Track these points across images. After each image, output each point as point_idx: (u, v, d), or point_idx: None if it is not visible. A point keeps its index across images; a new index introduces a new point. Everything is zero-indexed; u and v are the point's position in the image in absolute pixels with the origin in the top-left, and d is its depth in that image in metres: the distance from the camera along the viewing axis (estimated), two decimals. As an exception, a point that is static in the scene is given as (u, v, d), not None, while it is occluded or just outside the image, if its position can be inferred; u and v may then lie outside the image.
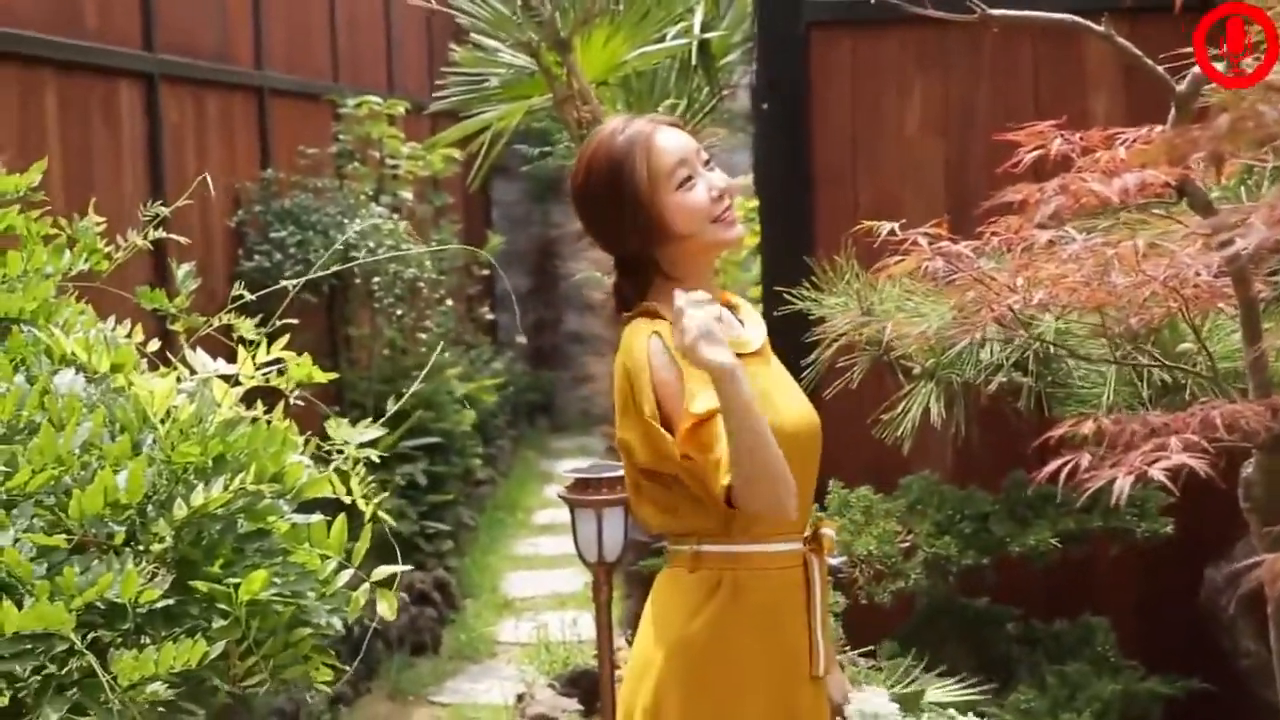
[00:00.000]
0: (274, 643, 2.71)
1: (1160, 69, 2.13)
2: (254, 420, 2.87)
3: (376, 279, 7.23)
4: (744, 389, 2.52)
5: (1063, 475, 2.11)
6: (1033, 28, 4.00)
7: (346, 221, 6.92)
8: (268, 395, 3.02)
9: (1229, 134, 1.61)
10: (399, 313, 7.48)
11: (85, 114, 5.26)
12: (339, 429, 3.13)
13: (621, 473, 4.40)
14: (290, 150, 7.41)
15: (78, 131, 5.18)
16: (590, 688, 5.40)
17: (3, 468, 2.59)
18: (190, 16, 6.43)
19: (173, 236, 3.28)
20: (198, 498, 2.63)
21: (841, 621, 4.07)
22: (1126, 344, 3.13)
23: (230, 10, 6.97)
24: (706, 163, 2.82)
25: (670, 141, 2.79)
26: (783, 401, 2.82)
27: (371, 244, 6.86)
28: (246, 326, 2.97)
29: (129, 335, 3.01)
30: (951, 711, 3.97)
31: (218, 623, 2.65)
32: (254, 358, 2.97)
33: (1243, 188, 3.61)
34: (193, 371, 2.96)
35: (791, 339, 3.83)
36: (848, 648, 4.09)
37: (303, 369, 3.13)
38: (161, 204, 3.24)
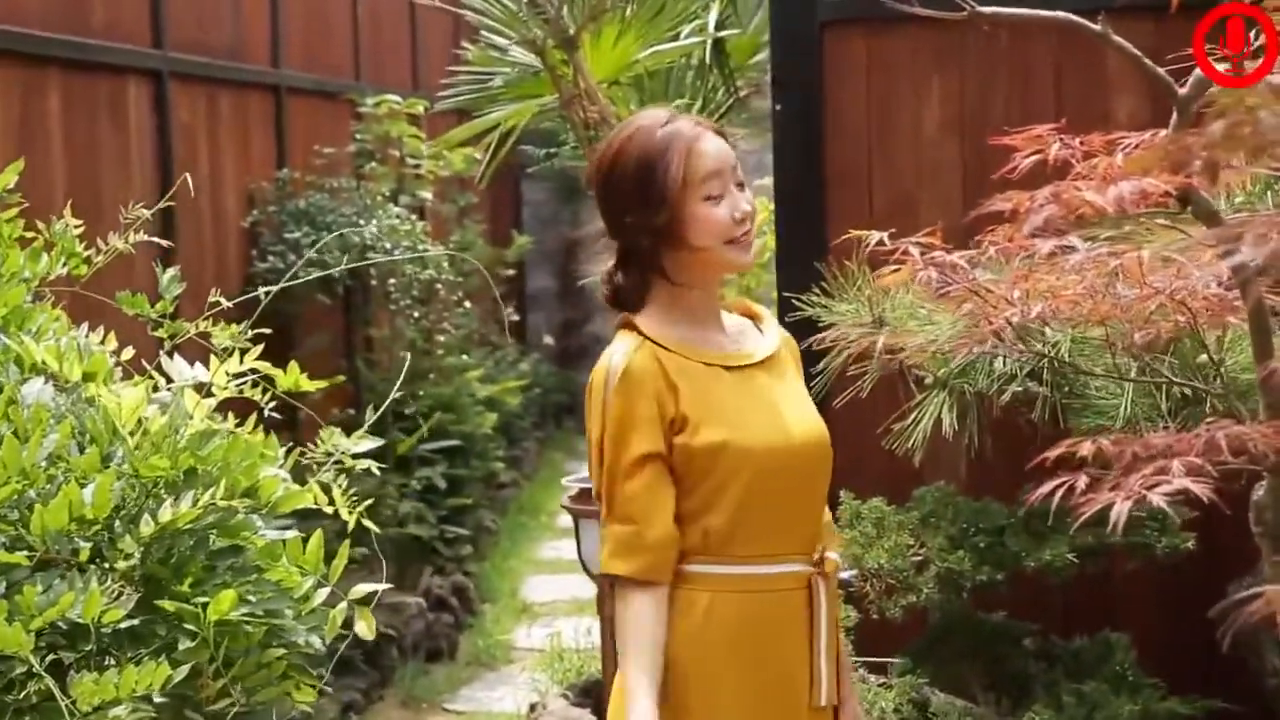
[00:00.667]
0: (245, 663, 2.62)
1: (1161, 70, 2.00)
2: (231, 433, 2.78)
3: (392, 280, 7.14)
4: None
5: (1056, 497, 1.99)
6: (1049, 27, 3.87)
7: (363, 222, 6.83)
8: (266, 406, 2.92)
9: (1224, 141, 1.49)
10: (415, 314, 7.38)
11: (91, 113, 5.19)
12: (331, 438, 3.03)
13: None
14: (307, 150, 7.34)
15: (83, 131, 5.11)
16: (603, 698, 5.29)
17: (-42, 483, 2.50)
18: (202, 13, 6.36)
19: (158, 240, 3.18)
20: (165, 513, 2.54)
21: (853, 636, 3.96)
22: (1144, 356, 3.01)
23: (245, 7, 6.89)
24: (740, 183, 2.72)
25: (711, 149, 2.69)
26: (790, 416, 2.73)
27: (388, 244, 6.77)
28: (224, 334, 2.86)
29: (102, 342, 2.92)
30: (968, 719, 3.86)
31: (184, 644, 2.56)
32: (240, 362, 2.88)
33: (1269, 193, 3.48)
34: (169, 380, 2.87)
35: (803, 346, 3.72)
36: (859, 668, 3.97)
37: (290, 378, 3.03)
38: (149, 204, 3.13)
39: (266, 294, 2.93)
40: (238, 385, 2.79)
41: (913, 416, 3.75)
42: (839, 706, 2.78)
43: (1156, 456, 1.97)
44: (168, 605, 2.53)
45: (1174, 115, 1.94)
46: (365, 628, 2.75)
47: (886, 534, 3.96)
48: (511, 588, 8.09)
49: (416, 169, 7.93)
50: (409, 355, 3.75)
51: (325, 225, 6.67)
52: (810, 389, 2.94)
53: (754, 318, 2.86)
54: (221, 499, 2.59)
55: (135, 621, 2.55)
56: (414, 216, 7.49)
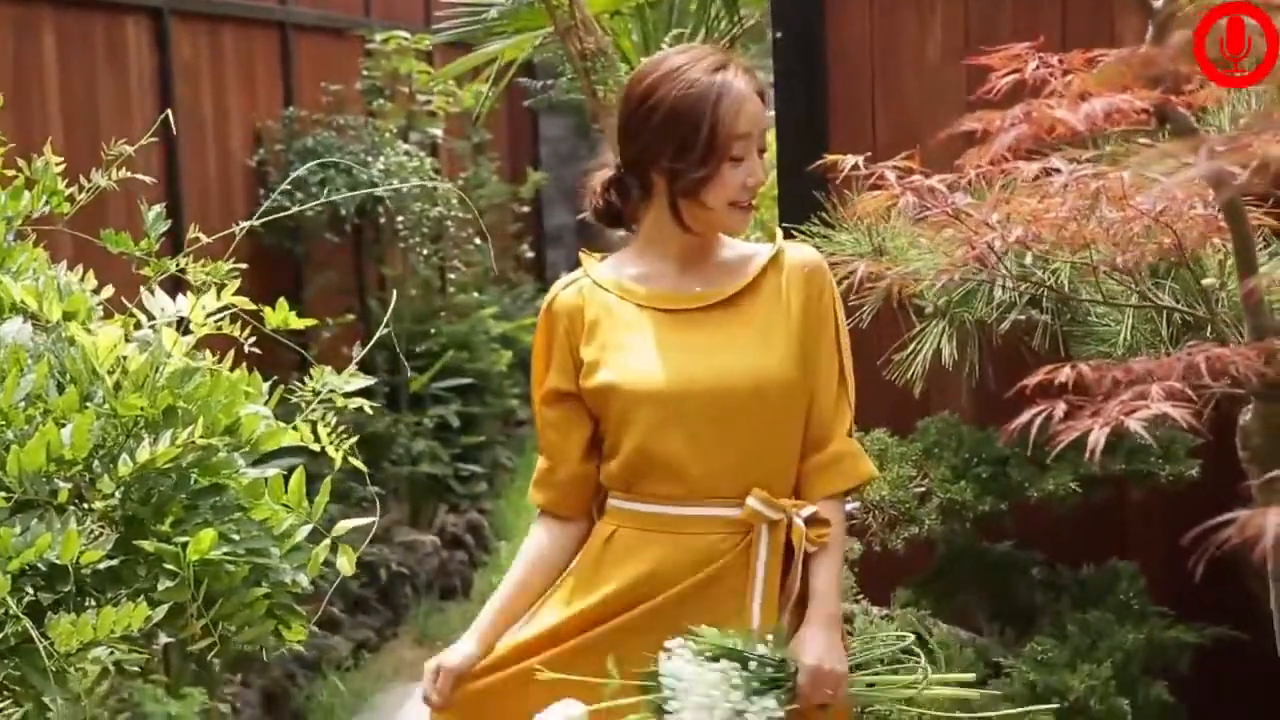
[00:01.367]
0: (227, 603, 2.60)
1: (1136, -17, 1.94)
2: (211, 370, 2.75)
3: (401, 218, 7.09)
4: None
5: (1034, 426, 1.95)
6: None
7: (371, 160, 6.79)
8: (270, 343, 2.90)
9: (1183, 52, 1.43)
10: (425, 252, 7.34)
11: (88, 52, 5.14)
12: (321, 375, 2.99)
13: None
14: (315, 88, 7.28)
15: (80, 70, 5.07)
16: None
17: (-70, 423, 2.47)
18: (205, -51, 6.30)
19: (139, 177, 3.13)
20: (143, 453, 2.51)
21: (857, 570, 3.93)
22: (1145, 281, 2.95)
23: (250, -58, 6.84)
24: (761, 149, 2.70)
25: (751, 110, 2.65)
26: (717, 359, 2.69)
27: (396, 182, 6.73)
28: (199, 270, 2.83)
29: (81, 280, 2.88)
30: (969, 651, 3.82)
31: (165, 584, 2.54)
32: (218, 298, 2.84)
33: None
34: (151, 318, 2.83)
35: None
36: (862, 597, 3.94)
37: (279, 314, 2.99)
38: (149, 146, 3.08)
39: (243, 229, 2.87)
40: (215, 321, 2.75)
41: (912, 346, 3.70)
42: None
43: (1137, 382, 1.92)
44: (147, 545, 2.51)
45: (1149, 30, 1.88)
46: (346, 563, 2.72)
47: (889, 465, 3.92)
48: (527, 525, 8.02)
49: (426, 105, 7.87)
50: (396, 294, 3.70)
51: (333, 164, 6.63)
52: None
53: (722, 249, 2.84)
54: (201, 437, 2.56)
55: (114, 562, 2.53)
56: (423, 154, 7.43)
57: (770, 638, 2.64)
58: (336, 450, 2.87)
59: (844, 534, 2.84)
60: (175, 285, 2.95)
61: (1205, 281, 3.38)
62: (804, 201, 4.08)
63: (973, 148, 2.15)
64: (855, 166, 2.18)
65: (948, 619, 3.97)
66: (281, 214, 3.96)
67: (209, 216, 5.84)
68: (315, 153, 6.70)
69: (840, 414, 2.78)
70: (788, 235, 4.01)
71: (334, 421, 2.91)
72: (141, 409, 2.58)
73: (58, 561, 2.43)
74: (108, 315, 2.90)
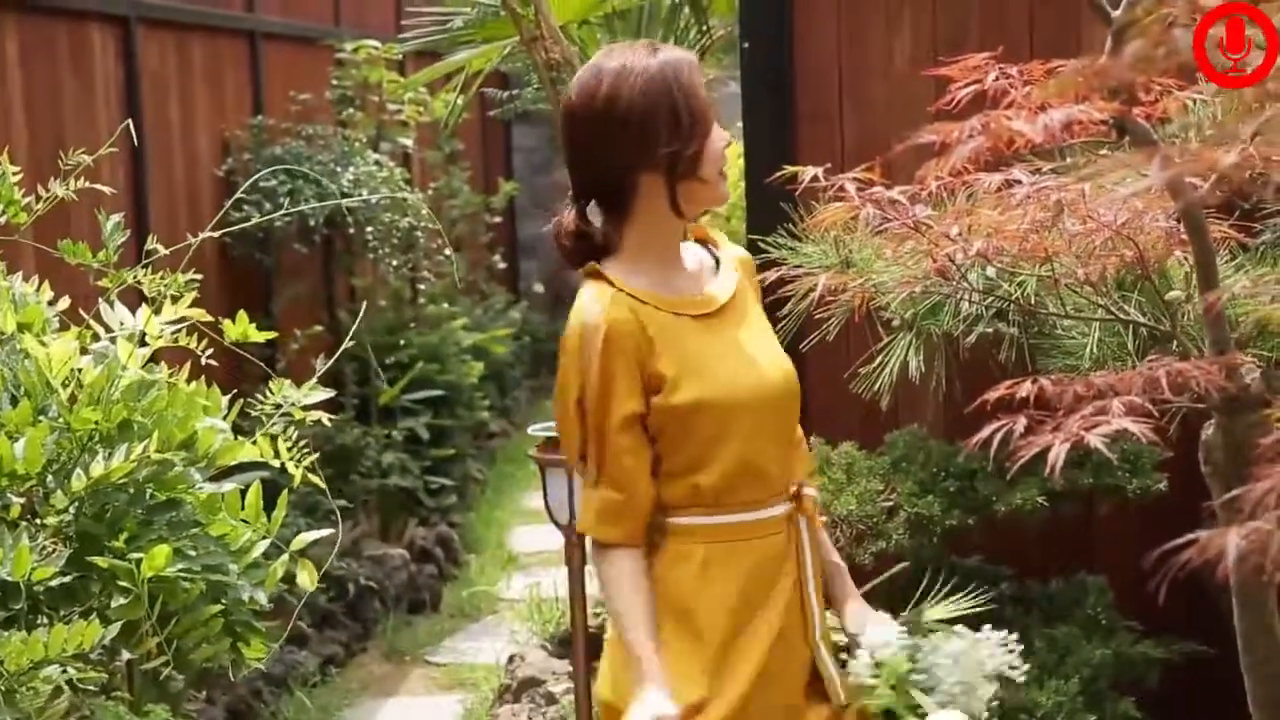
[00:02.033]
0: (183, 621, 2.57)
1: (1097, -6, 1.92)
2: (168, 384, 2.72)
3: (370, 229, 7.05)
4: None
5: (995, 442, 1.93)
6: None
7: (340, 170, 6.75)
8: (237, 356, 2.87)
9: (1139, 62, 1.41)
10: (395, 263, 7.30)
11: (52, 60, 5.10)
12: (281, 388, 2.96)
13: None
14: (285, 97, 7.24)
15: (44, 79, 5.02)
16: (577, 648, 5.24)
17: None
18: (172, -43, 6.26)
19: (99, 187, 3.10)
20: (98, 467, 2.48)
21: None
22: (1113, 294, 2.93)
23: (218, -48, 6.80)
24: None
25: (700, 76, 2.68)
26: (760, 360, 2.70)
27: (366, 192, 6.69)
28: (155, 283, 2.80)
29: (37, 291, 2.85)
30: (959, 627, 3.79)
31: (118, 600, 2.51)
32: (175, 310, 2.80)
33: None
34: (108, 330, 2.80)
35: (769, 288, 3.64)
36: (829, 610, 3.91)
37: (239, 327, 2.96)
38: (117, 156, 3.05)
39: (199, 240, 2.84)
40: (173, 334, 2.72)
41: (879, 359, 3.67)
42: (840, 607, 2.84)
43: (1098, 396, 1.90)
44: (101, 562, 2.48)
45: (1109, 41, 1.86)
46: (306, 579, 2.69)
47: (856, 479, 3.90)
48: (498, 538, 8.03)
49: (397, 115, 7.84)
50: (366, 305, 3.67)
51: (301, 174, 6.59)
52: (777, 331, 2.90)
53: (709, 243, 2.82)
54: (157, 452, 2.53)
55: (68, 579, 2.50)
56: (393, 164, 7.40)
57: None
58: (296, 466, 2.84)
59: None
60: (140, 297, 2.91)
61: (1170, 294, 3.36)
62: (771, 212, 4.06)
63: (933, 159, 2.13)
64: (816, 178, 2.16)
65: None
66: (246, 225, 3.93)
67: (176, 227, 5.80)
68: (284, 162, 6.66)
69: None
70: (754, 247, 4.01)
71: (295, 436, 2.88)
72: (96, 423, 2.56)
73: (9, 578, 2.40)
74: (65, 327, 2.86)
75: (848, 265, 3.69)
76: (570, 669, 5.41)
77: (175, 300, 2.73)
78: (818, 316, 3.73)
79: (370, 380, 7.37)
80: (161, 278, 2.85)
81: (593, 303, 2.63)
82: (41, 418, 2.59)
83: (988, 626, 2.74)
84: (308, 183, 6.51)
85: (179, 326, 2.72)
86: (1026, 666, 2.74)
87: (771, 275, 3.30)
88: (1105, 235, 2.06)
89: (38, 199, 3.03)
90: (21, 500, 2.51)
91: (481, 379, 8.57)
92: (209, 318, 2.77)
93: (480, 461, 8.86)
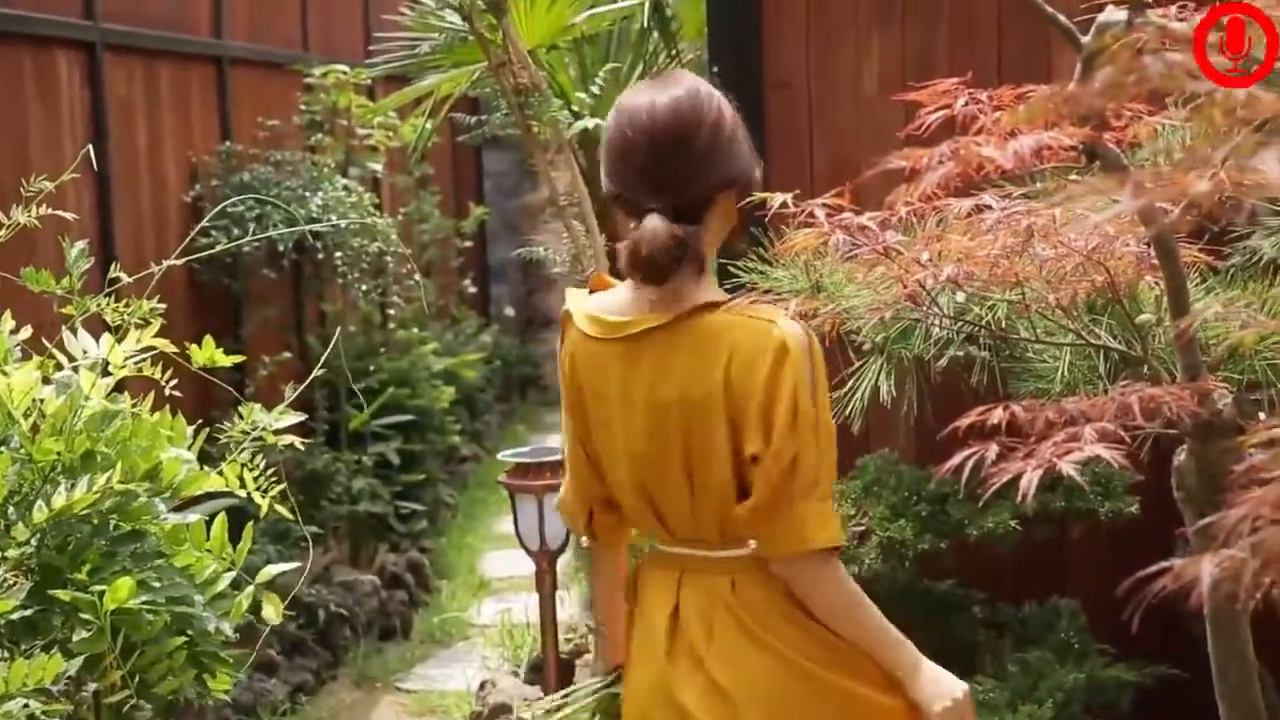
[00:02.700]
0: (147, 653, 2.53)
1: (1062, 18, 1.91)
2: (132, 414, 2.69)
3: (339, 254, 7.02)
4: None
5: (966, 469, 1.91)
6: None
7: (309, 195, 6.72)
8: (205, 383, 2.83)
9: (1109, 89, 1.40)
10: (364, 288, 7.27)
11: (16, 86, 5.06)
12: (250, 414, 2.93)
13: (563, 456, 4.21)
14: (253, 123, 7.20)
15: (8, 105, 4.99)
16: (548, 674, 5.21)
17: None
18: (139, -18, 6.23)
19: (63, 214, 3.07)
20: (60, 499, 2.44)
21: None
22: (1083, 318, 2.92)
23: (185, -25, 6.77)
24: None
25: None
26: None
27: (335, 217, 6.65)
28: (117, 311, 2.76)
29: (-2, 322, 2.81)
30: None
31: (80, 634, 2.47)
32: (139, 340, 2.77)
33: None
34: (72, 359, 2.76)
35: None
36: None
37: (205, 352, 2.93)
38: (81, 182, 3.01)
39: (164, 267, 2.80)
40: (136, 363, 2.69)
41: (850, 383, 3.66)
42: None
43: (1070, 423, 1.89)
44: (63, 595, 2.45)
45: (1078, 67, 1.85)
46: (272, 612, 2.66)
47: (828, 504, 3.88)
48: (469, 564, 7.99)
49: (366, 140, 7.81)
50: (339, 331, 3.65)
51: (268, 200, 6.56)
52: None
53: None
54: (120, 482, 2.49)
55: (29, 612, 2.46)
56: (362, 189, 7.37)
57: None
58: (264, 495, 2.80)
59: None
60: (103, 326, 2.88)
61: (1140, 318, 3.36)
62: (743, 237, 4.04)
63: (903, 184, 2.12)
64: (785, 204, 2.14)
65: (888, 659, 3.93)
66: (214, 251, 3.90)
67: (143, 253, 5.76)
68: (252, 188, 6.63)
69: None
70: (725, 271, 3.99)
71: (264, 463, 2.85)
72: (58, 453, 2.52)
73: (-32, 612, 2.36)
74: (28, 357, 2.83)
75: (818, 290, 3.68)
76: (541, 694, 5.38)
77: (140, 328, 2.69)
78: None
79: (340, 406, 7.34)
80: (125, 305, 2.81)
81: (787, 320, 2.53)
82: (2, 448, 2.56)
83: None
84: (275, 208, 6.48)
85: (144, 356, 2.69)
86: None
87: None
88: (1076, 260, 2.05)
89: (1, 226, 2.99)
90: (-18, 532, 2.47)
91: (452, 403, 8.53)
92: (172, 347, 2.73)
93: (451, 486, 8.83)
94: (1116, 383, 3.37)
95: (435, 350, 8.57)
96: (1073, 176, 2.00)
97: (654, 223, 2.48)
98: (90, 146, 3.08)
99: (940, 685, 2.60)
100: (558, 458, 4.13)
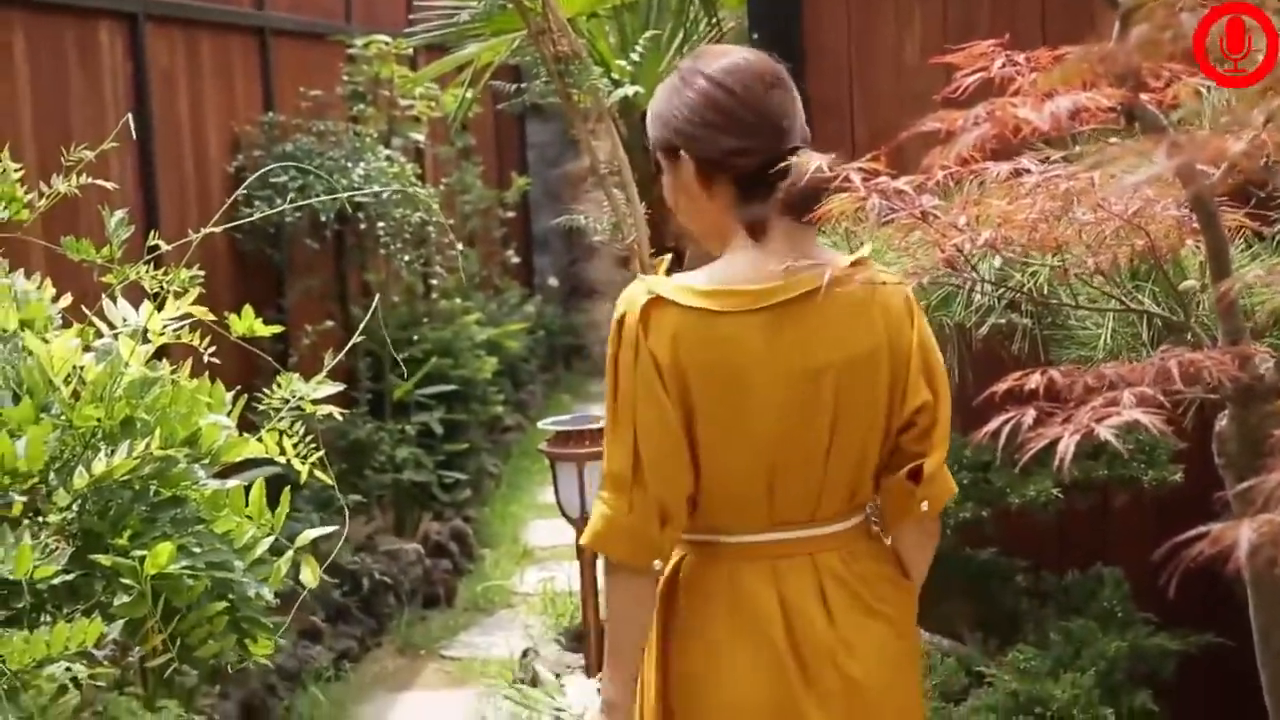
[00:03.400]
0: (187, 618, 2.54)
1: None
2: (171, 380, 2.70)
3: (381, 224, 7.03)
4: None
5: (1004, 434, 1.90)
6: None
7: (351, 165, 6.73)
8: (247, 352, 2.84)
9: (1145, 46, 1.38)
10: (407, 258, 7.28)
11: (59, 57, 5.08)
12: (289, 383, 2.94)
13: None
14: (295, 93, 7.22)
15: (52, 76, 5.01)
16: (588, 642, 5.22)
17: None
18: (181, -46, 6.24)
19: (104, 184, 3.08)
20: (100, 465, 2.46)
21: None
22: (1127, 284, 2.90)
23: (227, -53, 6.77)
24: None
25: None
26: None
27: (378, 188, 6.66)
28: (155, 278, 2.77)
29: (39, 288, 2.83)
30: (951, 660, 3.78)
31: (121, 598, 2.49)
32: (178, 307, 2.78)
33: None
34: (112, 327, 2.78)
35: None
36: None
37: (244, 322, 2.94)
38: (123, 152, 3.02)
39: (200, 235, 2.81)
40: (175, 330, 2.70)
41: (891, 351, 3.64)
42: None
43: (1108, 387, 1.87)
44: (104, 560, 2.46)
45: (1116, 26, 1.83)
46: (310, 575, 2.67)
47: (869, 472, 3.87)
48: (513, 533, 8.02)
49: (409, 110, 7.81)
50: (379, 298, 3.65)
51: (309, 170, 6.57)
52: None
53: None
54: (159, 448, 2.50)
55: (70, 577, 2.47)
56: (404, 159, 7.38)
57: None
58: (303, 462, 2.81)
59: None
60: (145, 294, 2.89)
61: (1184, 285, 3.33)
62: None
63: (938, 147, 2.10)
64: (820, 169, 2.13)
65: (930, 628, 3.92)
66: (253, 219, 3.91)
67: (186, 223, 5.77)
68: (295, 158, 6.64)
69: None
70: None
71: (302, 431, 2.85)
72: (98, 420, 2.53)
73: (11, 577, 2.38)
74: (69, 325, 2.84)
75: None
76: (584, 662, 5.40)
77: (179, 296, 2.70)
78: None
79: (384, 375, 7.35)
80: (164, 273, 2.82)
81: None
82: (44, 415, 2.57)
83: None
84: (317, 178, 6.49)
85: (182, 323, 2.70)
86: None
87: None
88: (1116, 224, 2.03)
89: (42, 195, 3.01)
90: (24, 498, 2.48)
91: (496, 374, 8.55)
92: (210, 314, 2.74)
93: (494, 456, 8.85)
94: (1158, 349, 3.36)
95: (479, 320, 8.59)
96: (1112, 139, 1.97)
97: (806, 156, 2.43)
98: (130, 115, 3.09)
99: None
100: (599, 425, 4.12)
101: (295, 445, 2.81)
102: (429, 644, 6.51)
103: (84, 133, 5.09)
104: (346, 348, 3.30)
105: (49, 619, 2.47)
